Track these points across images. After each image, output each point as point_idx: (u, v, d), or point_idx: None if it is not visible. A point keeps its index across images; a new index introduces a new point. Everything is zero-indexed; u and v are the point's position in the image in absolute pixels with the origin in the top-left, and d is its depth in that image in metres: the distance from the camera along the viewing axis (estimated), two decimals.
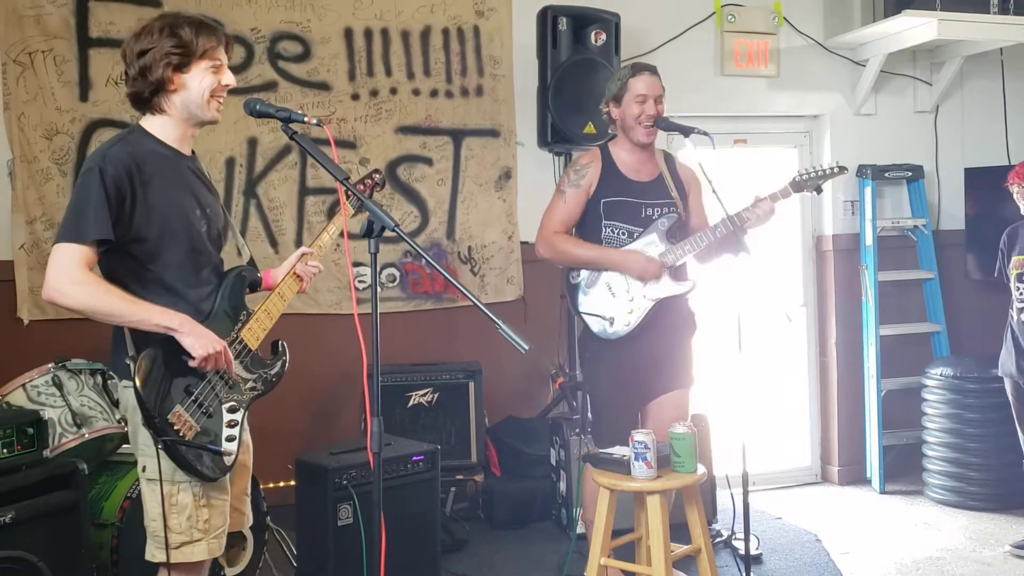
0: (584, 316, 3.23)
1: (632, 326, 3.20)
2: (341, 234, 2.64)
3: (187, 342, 2.15)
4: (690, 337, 3.36)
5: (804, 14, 4.99)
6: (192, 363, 2.17)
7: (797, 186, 3.23)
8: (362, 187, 2.93)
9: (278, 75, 4.35)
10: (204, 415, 2.21)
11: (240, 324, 2.35)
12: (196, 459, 2.17)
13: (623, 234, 3.24)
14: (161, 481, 2.17)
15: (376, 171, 3.07)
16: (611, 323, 3.20)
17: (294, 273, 2.54)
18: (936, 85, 5.14)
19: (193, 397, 2.20)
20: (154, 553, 2.24)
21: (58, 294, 2.10)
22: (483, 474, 4.25)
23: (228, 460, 2.25)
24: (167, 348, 2.16)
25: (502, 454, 4.39)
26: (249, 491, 2.53)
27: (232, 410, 2.28)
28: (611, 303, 3.21)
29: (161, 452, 2.14)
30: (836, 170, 3.25)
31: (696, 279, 3.28)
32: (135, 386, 2.10)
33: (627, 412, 3.21)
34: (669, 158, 3.40)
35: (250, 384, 2.36)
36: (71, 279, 2.09)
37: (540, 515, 4.23)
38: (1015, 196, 3.97)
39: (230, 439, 2.25)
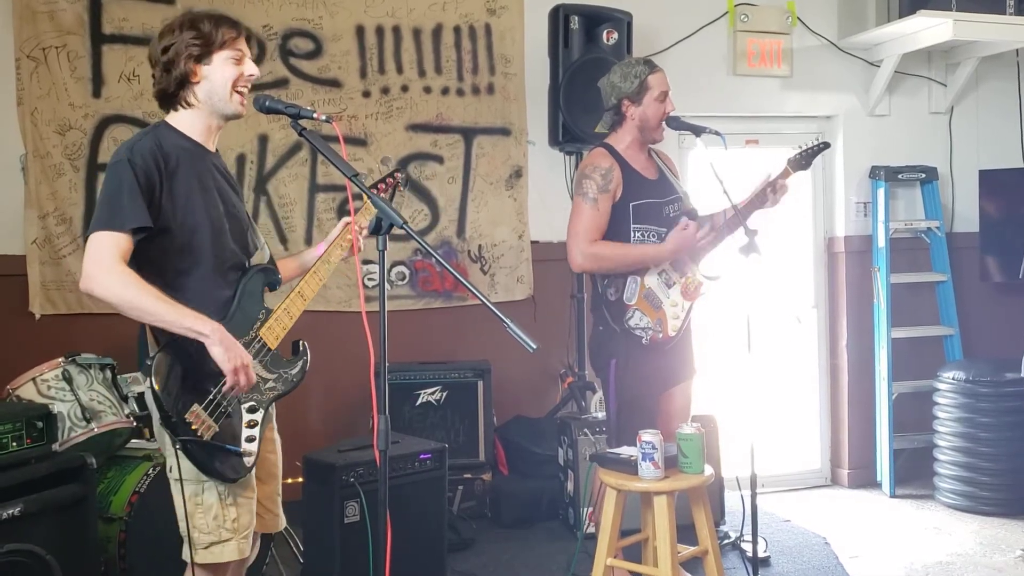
0: (634, 332, 3.14)
1: (680, 330, 3.19)
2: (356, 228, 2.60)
3: (216, 351, 2.10)
4: (691, 328, 3.36)
5: (818, 14, 4.97)
6: (225, 384, 2.14)
7: (796, 164, 3.28)
8: (383, 185, 2.85)
9: (289, 72, 4.36)
10: (223, 415, 2.18)
11: (259, 323, 2.32)
12: (215, 460, 2.15)
13: (653, 237, 3.20)
14: (182, 480, 2.17)
15: (397, 170, 2.94)
16: (660, 331, 3.16)
17: (340, 243, 2.51)
18: (951, 86, 5.10)
19: (211, 396, 2.17)
20: (187, 554, 2.22)
21: (94, 283, 2.06)
22: (491, 473, 4.24)
23: (248, 461, 2.23)
24: (186, 347, 2.14)
25: (510, 453, 4.39)
26: (280, 491, 2.50)
27: (252, 410, 2.26)
28: (656, 311, 3.17)
29: (179, 453, 2.11)
30: (821, 145, 3.33)
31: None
32: (151, 384, 2.08)
33: (652, 412, 3.18)
34: (650, 150, 3.38)
35: (270, 384, 2.32)
36: (107, 269, 2.05)
37: (547, 515, 4.22)
38: None
39: (250, 439, 2.23)
